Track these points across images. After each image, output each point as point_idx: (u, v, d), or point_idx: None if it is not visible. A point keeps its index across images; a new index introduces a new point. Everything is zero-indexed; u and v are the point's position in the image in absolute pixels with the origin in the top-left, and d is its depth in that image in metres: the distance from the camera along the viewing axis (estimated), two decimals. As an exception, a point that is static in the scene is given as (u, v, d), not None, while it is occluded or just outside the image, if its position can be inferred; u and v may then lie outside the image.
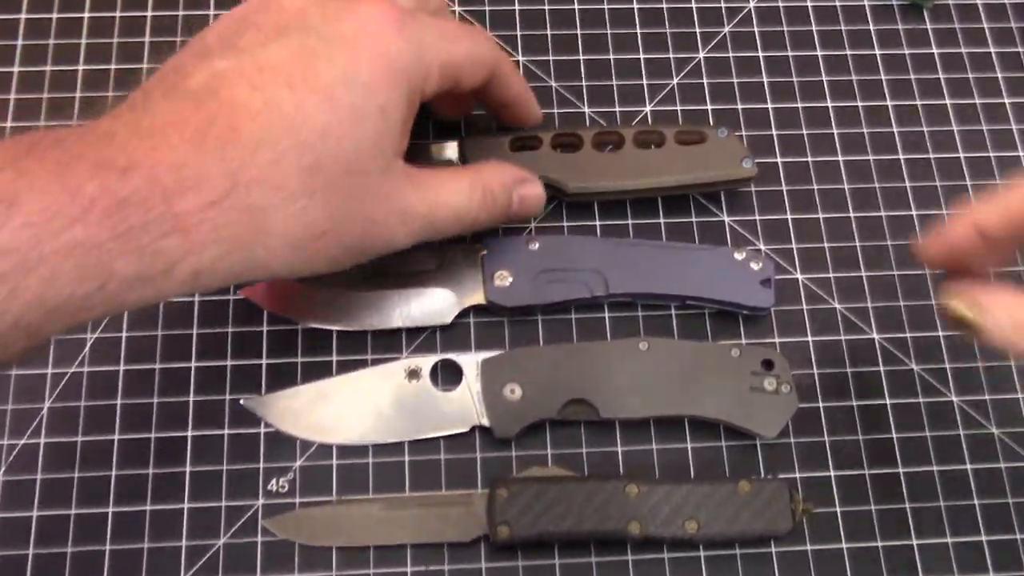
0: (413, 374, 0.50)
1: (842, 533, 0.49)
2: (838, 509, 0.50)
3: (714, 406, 0.49)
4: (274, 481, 0.48)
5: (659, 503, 0.47)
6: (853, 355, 0.52)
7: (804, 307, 0.52)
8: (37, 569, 0.46)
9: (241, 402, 0.49)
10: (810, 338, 0.52)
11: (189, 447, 0.48)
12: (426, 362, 0.50)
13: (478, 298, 0.51)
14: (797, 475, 0.49)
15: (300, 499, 0.48)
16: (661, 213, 0.53)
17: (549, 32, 0.58)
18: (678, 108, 0.55)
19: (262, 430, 0.49)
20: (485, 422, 0.48)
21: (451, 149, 0.52)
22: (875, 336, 0.52)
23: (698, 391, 0.49)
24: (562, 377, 0.49)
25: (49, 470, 0.47)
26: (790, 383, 0.49)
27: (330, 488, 0.48)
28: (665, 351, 0.50)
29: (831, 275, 0.53)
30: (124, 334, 0.50)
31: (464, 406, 0.49)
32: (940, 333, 0.52)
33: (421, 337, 0.51)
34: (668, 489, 0.47)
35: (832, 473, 0.50)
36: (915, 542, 0.49)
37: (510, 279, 0.50)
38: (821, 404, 0.51)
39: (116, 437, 0.48)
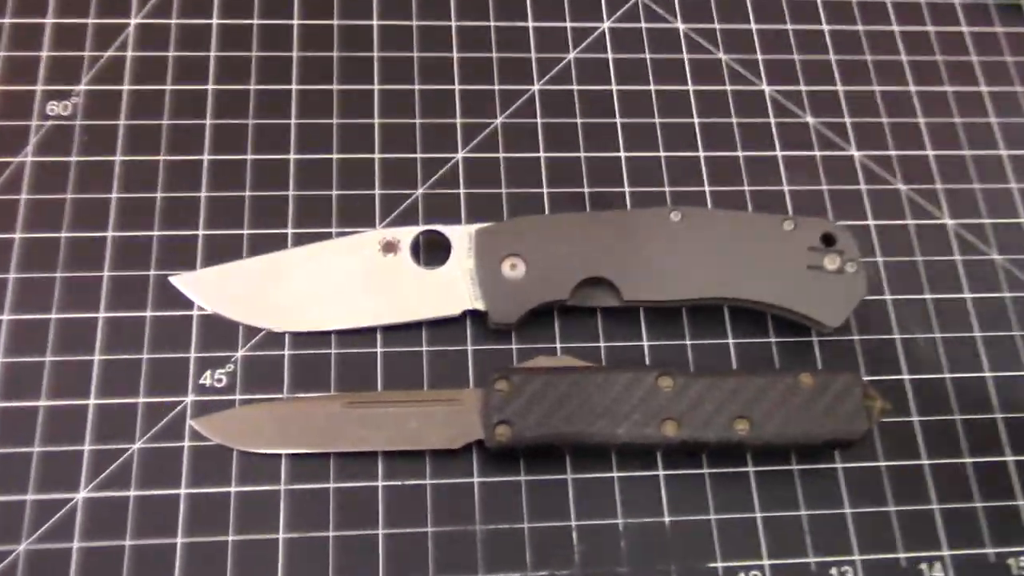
0: (389, 247, 0.40)
1: (921, 447, 0.38)
2: (915, 418, 0.40)
3: (762, 289, 0.40)
4: (208, 374, 0.38)
5: (700, 398, 0.37)
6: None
7: (863, 186, 0.43)
8: None
9: (170, 279, 0.39)
10: (871, 221, 0.42)
11: (100, 330, 0.39)
12: (406, 233, 0.40)
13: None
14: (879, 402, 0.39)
15: (240, 396, 0.38)
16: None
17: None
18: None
19: (195, 312, 0.39)
20: (479, 305, 0.40)
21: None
22: (947, 222, 0.42)
23: (742, 271, 0.40)
24: (576, 251, 0.40)
25: None
26: (856, 261, 0.39)
27: (280, 384, 0.38)
28: (702, 222, 0.40)
29: (892, 153, 0.44)
30: (24, 196, 0.41)
31: (453, 286, 0.40)
32: (1021, 219, 0.43)
33: (403, 205, 0.41)
34: (711, 381, 0.37)
35: (906, 376, 0.41)
36: (1009, 458, 0.38)
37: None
38: (888, 296, 0.40)
39: (5, 317, 0.39)
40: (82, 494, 0.36)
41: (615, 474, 0.38)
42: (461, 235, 0.41)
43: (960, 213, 0.44)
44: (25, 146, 0.42)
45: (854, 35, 0.47)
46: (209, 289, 0.40)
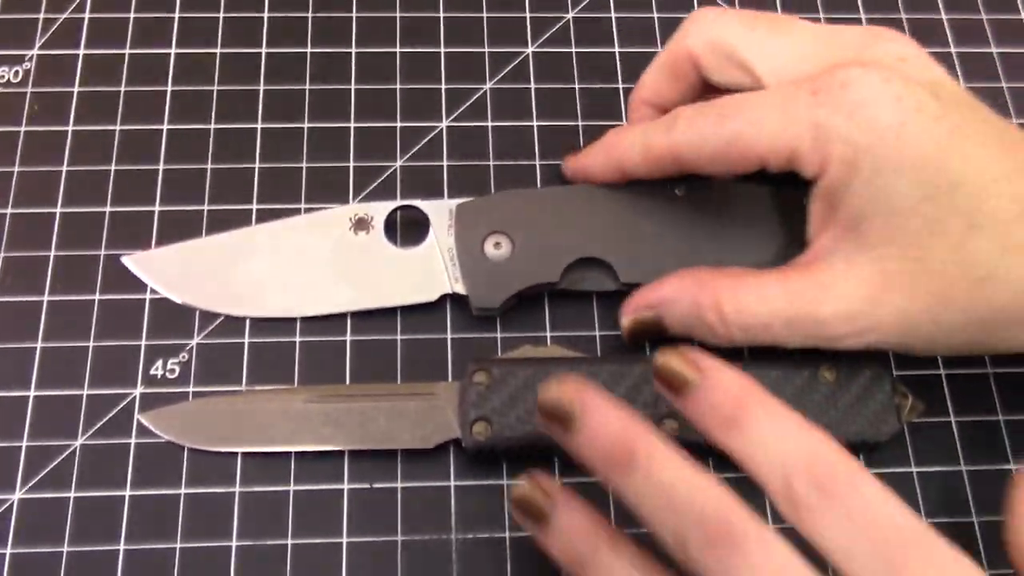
0: (361, 224, 0.37)
1: (959, 450, 0.35)
2: (952, 419, 0.36)
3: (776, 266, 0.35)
4: (160, 363, 0.35)
5: None
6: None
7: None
8: None
9: (122, 259, 0.36)
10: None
11: (43, 315, 0.36)
12: (379, 209, 0.37)
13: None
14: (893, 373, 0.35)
15: (195, 388, 0.35)
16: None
17: None
18: None
19: (148, 296, 0.36)
20: (460, 289, 0.36)
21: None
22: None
23: (754, 248, 0.36)
24: (567, 228, 0.36)
25: None
26: None
27: (238, 375, 0.35)
28: (708, 197, 0.36)
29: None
30: None
31: (431, 267, 0.37)
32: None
33: (380, 179, 0.38)
34: None
35: (943, 372, 0.37)
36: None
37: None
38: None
39: None
40: (17, 495, 0.33)
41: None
42: (440, 211, 0.37)
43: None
44: None
45: None
46: (163, 270, 0.37)
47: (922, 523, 0.25)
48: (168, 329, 0.36)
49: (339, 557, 0.33)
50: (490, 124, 0.40)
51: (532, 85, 0.41)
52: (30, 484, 0.34)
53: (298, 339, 0.36)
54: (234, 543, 0.33)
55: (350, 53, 0.41)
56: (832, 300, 0.31)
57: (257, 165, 0.39)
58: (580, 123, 0.40)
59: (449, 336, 0.37)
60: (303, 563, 0.33)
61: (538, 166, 0.40)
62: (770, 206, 0.36)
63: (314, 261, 0.37)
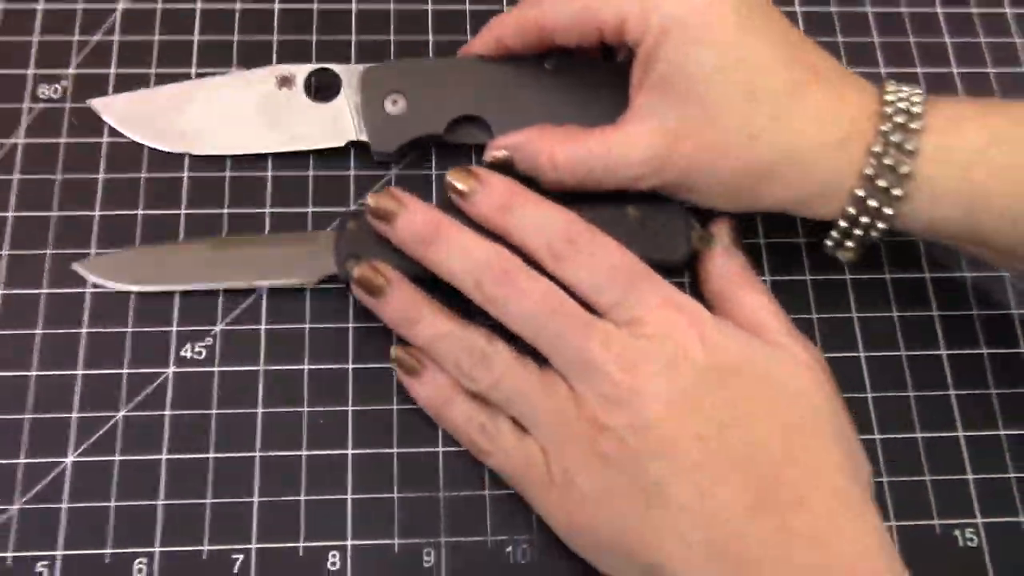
0: (285, 82, 0.45)
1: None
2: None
3: None
4: (188, 346, 0.41)
5: None
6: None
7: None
8: None
9: (89, 102, 0.44)
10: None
11: (87, 305, 0.41)
12: (301, 69, 0.45)
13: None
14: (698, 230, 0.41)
15: (219, 367, 0.40)
16: None
17: None
18: None
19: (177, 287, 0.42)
20: (363, 137, 0.43)
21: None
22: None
23: (603, 114, 0.41)
24: (453, 91, 0.43)
25: None
26: None
27: (257, 358, 0.41)
28: (573, 70, 0.43)
29: None
30: (17, 177, 0.44)
31: (340, 118, 0.44)
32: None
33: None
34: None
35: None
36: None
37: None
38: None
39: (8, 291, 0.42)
40: (70, 459, 0.39)
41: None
42: (351, 73, 0.44)
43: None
44: (12, 131, 0.44)
45: None
46: (122, 112, 0.45)
47: (644, 264, 0.36)
48: (195, 317, 0.41)
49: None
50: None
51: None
52: (81, 449, 0.38)
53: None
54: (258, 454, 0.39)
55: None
56: (638, 147, 0.38)
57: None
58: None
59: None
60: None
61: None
62: (617, 83, 0.42)
63: (244, 110, 0.45)
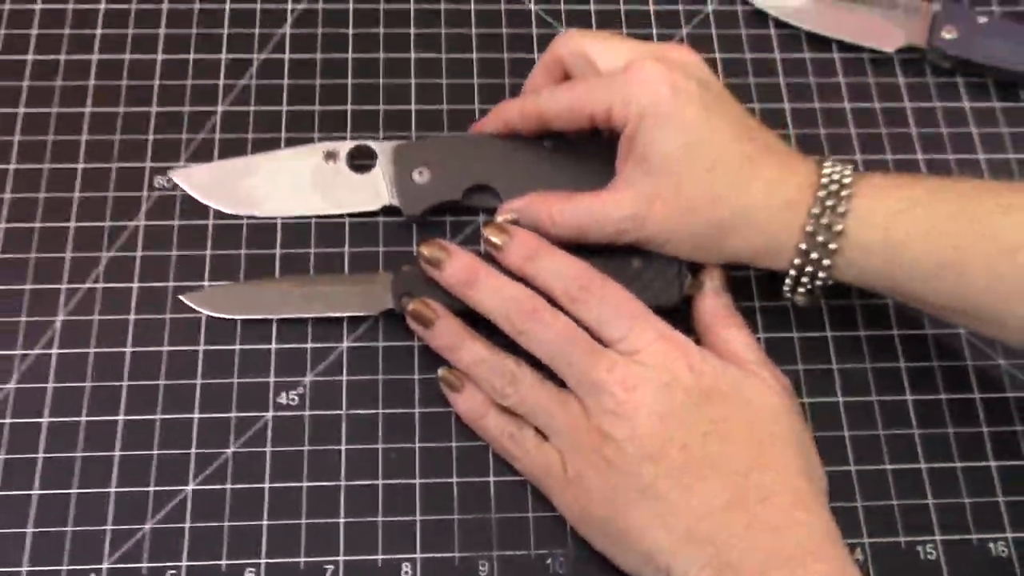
0: (331, 156, 0.53)
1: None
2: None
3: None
4: (284, 394, 0.49)
5: None
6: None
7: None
8: (48, 471, 0.47)
9: (169, 173, 0.53)
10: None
11: (200, 361, 0.50)
12: (343, 146, 0.53)
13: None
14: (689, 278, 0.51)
15: (310, 412, 0.49)
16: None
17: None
18: None
19: (273, 347, 0.50)
20: (395, 202, 0.52)
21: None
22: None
23: (592, 182, 0.49)
24: (468, 164, 0.52)
25: (62, 380, 0.48)
26: None
27: (340, 403, 0.49)
28: (568, 149, 0.52)
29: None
30: (139, 254, 0.52)
31: (376, 186, 0.52)
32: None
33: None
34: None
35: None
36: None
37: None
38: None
39: (129, 350, 0.49)
40: (191, 487, 0.46)
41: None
42: (385, 149, 0.53)
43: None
44: (136, 213, 0.52)
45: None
46: (197, 182, 0.53)
47: (643, 306, 0.45)
48: (289, 370, 0.49)
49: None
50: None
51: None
52: (199, 479, 0.46)
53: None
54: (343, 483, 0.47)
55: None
56: (622, 208, 0.46)
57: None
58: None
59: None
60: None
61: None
62: (601, 158, 0.51)
63: (298, 180, 0.53)
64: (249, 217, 0.52)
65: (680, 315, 0.48)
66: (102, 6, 0.57)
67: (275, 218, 0.52)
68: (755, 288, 0.52)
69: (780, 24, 0.59)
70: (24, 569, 0.44)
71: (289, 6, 0.58)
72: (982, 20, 0.57)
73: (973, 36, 0.57)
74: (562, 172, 0.52)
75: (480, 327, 0.47)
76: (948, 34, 0.57)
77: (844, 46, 0.59)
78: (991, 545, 0.47)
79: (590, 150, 0.51)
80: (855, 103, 0.58)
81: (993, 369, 0.51)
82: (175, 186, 0.53)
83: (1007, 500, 0.48)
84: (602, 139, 0.50)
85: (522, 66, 0.56)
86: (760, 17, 0.60)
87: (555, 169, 0.52)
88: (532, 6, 0.59)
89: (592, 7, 0.59)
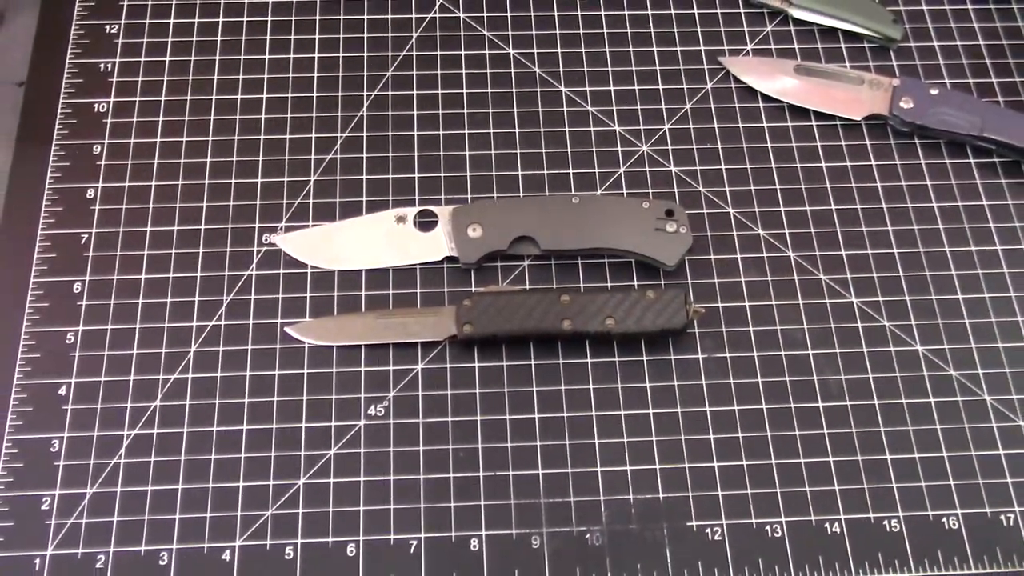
0: (401, 219, 0.65)
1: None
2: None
3: (628, 242, 0.63)
4: (373, 407, 0.62)
5: (585, 306, 0.61)
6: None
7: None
8: (189, 469, 0.58)
9: (272, 238, 0.65)
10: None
11: (305, 381, 0.61)
12: (410, 211, 0.66)
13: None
14: (694, 306, 0.62)
15: (394, 420, 0.60)
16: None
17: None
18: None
19: (362, 369, 0.62)
20: (454, 253, 0.63)
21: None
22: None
23: (616, 230, 0.62)
24: (512, 220, 0.63)
25: (196, 398, 0.60)
26: (687, 226, 0.63)
27: (416, 413, 0.60)
28: (592, 202, 0.65)
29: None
30: (253, 297, 0.66)
31: (438, 242, 0.64)
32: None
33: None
34: (592, 296, 0.61)
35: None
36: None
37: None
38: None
39: (248, 373, 0.61)
40: (302, 481, 0.58)
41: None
42: (443, 212, 0.65)
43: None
44: (250, 265, 0.64)
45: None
46: (294, 244, 0.65)
47: None
48: (376, 387, 0.60)
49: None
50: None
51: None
52: (308, 475, 0.57)
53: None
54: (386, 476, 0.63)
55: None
56: None
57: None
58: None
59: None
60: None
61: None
62: (625, 207, 0.64)
63: (375, 239, 0.65)
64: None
65: (686, 336, 0.60)
66: (213, 97, 0.70)
67: (359, 269, 0.64)
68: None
69: (767, 98, 0.70)
70: (174, 547, 0.56)
71: (364, 93, 0.69)
72: (934, 92, 0.69)
73: (927, 105, 0.68)
74: (587, 221, 0.63)
75: (523, 346, 0.60)
76: (906, 104, 0.69)
77: (820, 115, 0.70)
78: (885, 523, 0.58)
79: (611, 201, 0.64)
80: (830, 162, 0.68)
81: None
82: (271, 245, 0.64)
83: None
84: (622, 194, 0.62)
85: (556, 138, 0.68)
86: (750, 93, 0.70)
87: (582, 219, 0.63)
88: (563, 88, 0.71)
89: (612, 88, 0.71)
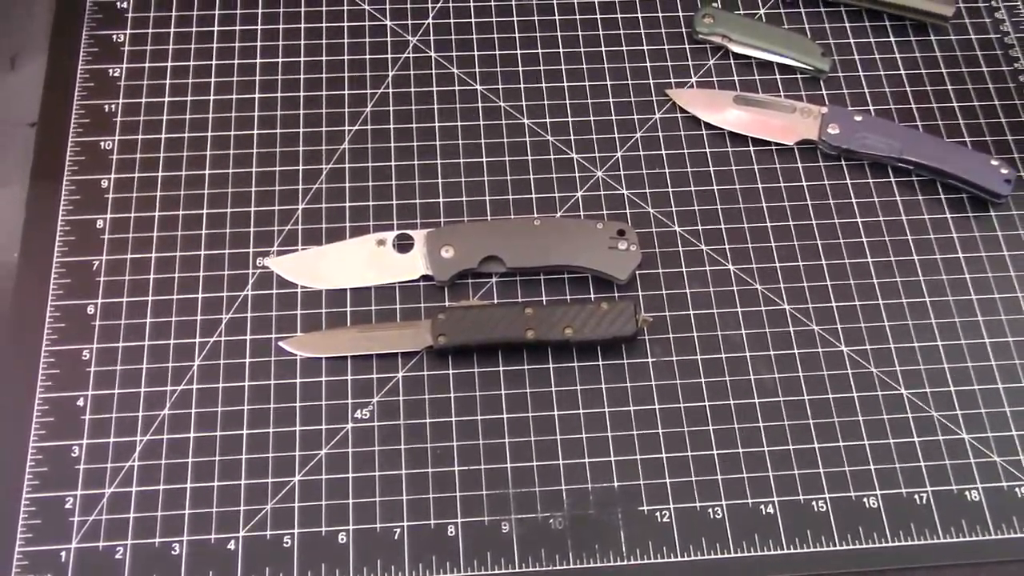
0: (381, 243, 0.72)
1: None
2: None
3: (584, 258, 0.69)
4: (359, 411, 0.71)
5: (547, 317, 0.67)
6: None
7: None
8: (196, 470, 0.64)
9: (265, 261, 0.72)
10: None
11: (298, 385, 0.67)
12: (389, 235, 0.72)
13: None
14: (642, 315, 0.70)
15: (378, 423, 0.66)
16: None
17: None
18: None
19: (349, 377, 0.68)
20: (429, 272, 0.69)
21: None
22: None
23: (574, 249, 0.68)
24: (481, 242, 0.69)
25: (201, 406, 0.66)
26: (636, 244, 0.70)
27: (398, 414, 0.67)
28: (552, 224, 0.72)
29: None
30: (250, 315, 0.72)
31: (415, 262, 0.70)
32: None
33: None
34: (552, 308, 0.68)
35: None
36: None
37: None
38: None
39: (247, 383, 0.67)
40: (297, 478, 0.64)
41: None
42: (419, 235, 0.71)
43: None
44: (245, 286, 0.70)
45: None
46: (284, 266, 0.72)
47: None
48: (361, 393, 0.66)
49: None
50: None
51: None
52: (303, 472, 0.63)
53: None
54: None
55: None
56: None
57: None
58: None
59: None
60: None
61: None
62: (581, 228, 0.71)
63: (358, 260, 0.71)
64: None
65: (637, 342, 0.68)
66: (209, 133, 0.76)
67: (344, 288, 0.71)
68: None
69: (709, 127, 0.76)
70: (185, 539, 0.63)
71: (346, 128, 0.75)
72: (859, 118, 0.75)
73: (852, 131, 0.75)
74: (548, 241, 0.70)
75: (492, 353, 0.67)
76: (833, 130, 0.75)
77: (757, 141, 0.76)
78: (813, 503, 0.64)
79: (569, 223, 0.71)
80: (766, 184, 0.75)
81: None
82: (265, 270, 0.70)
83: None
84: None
85: (519, 166, 0.75)
86: (694, 121, 0.77)
87: (543, 240, 0.70)
88: (526, 120, 0.78)
89: (570, 119, 0.78)
